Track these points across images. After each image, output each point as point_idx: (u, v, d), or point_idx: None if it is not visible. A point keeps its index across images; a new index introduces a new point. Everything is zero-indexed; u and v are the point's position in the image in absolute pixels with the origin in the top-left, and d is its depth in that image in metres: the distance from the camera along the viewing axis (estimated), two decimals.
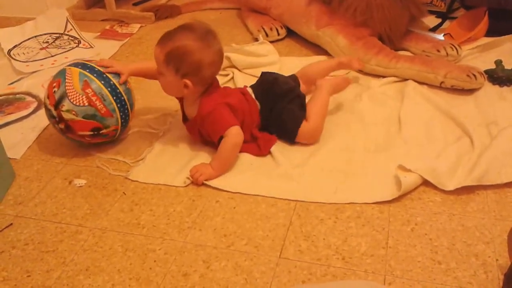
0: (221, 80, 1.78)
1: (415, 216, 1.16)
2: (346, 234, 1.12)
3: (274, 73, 1.53)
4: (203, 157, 1.37)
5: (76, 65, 1.37)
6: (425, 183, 1.24)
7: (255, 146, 1.38)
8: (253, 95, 1.43)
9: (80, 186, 1.31)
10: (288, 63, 1.85)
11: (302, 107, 1.45)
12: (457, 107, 1.53)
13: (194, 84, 1.30)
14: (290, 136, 1.41)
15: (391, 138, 1.42)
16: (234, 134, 1.30)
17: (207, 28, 1.31)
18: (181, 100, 1.41)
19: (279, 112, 1.41)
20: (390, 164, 1.29)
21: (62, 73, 1.36)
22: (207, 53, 1.28)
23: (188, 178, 1.30)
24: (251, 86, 1.48)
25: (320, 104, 1.45)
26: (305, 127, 1.40)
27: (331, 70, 1.65)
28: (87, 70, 1.34)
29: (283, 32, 2.09)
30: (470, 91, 1.61)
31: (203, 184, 1.28)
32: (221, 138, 1.31)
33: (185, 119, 1.42)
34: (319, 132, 1.43)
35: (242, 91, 1.43)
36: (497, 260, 1.04)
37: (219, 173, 1.30)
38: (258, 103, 1.42)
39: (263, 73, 1.53)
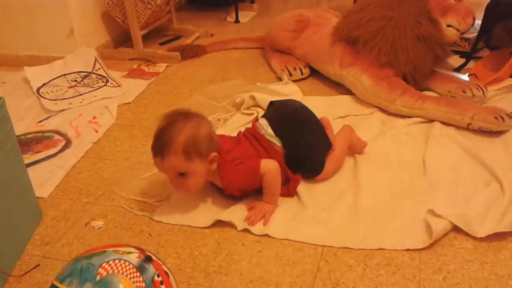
0: (246, 119, 1.80)
1: (446, 263, 1.13)
2: (376, 282, 1.09)
3: (284, 101, 1.53)
4: (227, 196, 1.36)
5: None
6: (456, 229, 1.21)
7: (286, 187, 1.37)
8: (269, 128, 1.38)
9: (99, 228, 1.31)
10: (312, 102, 1.85)
11: (325, 137, 1.45)
12: (485, 150, 1.50)
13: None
14: (316, 170, 1.41)
15: (416, 182, 1.40)
16: (270, 168, 1.29)
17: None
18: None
19: (302, 147, 1.39)
20: (419, 209, 1.27)
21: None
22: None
23: (246, 223, 1.27)
24: (265, 117, 1.43)
25: (343, 142, 1.48)
26: (329, 157, 1.43)
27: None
28: None
29: (306, 71, 2.11)
30: (498, 133, 1.60)
31: (227, 225, 1.27)
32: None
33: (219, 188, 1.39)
34: (338, 168, 1.46)
35: (255, 135, 1.37)
36: None
37: (276, 205, 1.32)
38: (277, 142, 1.37)
39: (272, 102, 1.50)
